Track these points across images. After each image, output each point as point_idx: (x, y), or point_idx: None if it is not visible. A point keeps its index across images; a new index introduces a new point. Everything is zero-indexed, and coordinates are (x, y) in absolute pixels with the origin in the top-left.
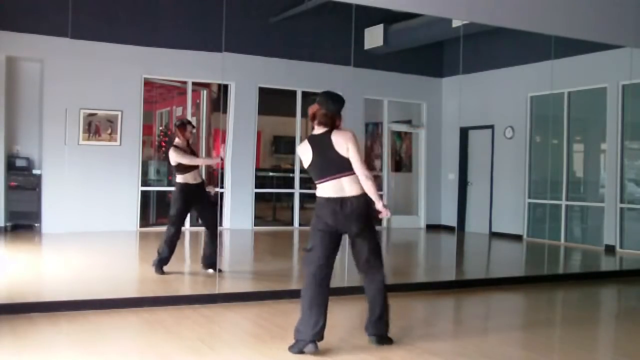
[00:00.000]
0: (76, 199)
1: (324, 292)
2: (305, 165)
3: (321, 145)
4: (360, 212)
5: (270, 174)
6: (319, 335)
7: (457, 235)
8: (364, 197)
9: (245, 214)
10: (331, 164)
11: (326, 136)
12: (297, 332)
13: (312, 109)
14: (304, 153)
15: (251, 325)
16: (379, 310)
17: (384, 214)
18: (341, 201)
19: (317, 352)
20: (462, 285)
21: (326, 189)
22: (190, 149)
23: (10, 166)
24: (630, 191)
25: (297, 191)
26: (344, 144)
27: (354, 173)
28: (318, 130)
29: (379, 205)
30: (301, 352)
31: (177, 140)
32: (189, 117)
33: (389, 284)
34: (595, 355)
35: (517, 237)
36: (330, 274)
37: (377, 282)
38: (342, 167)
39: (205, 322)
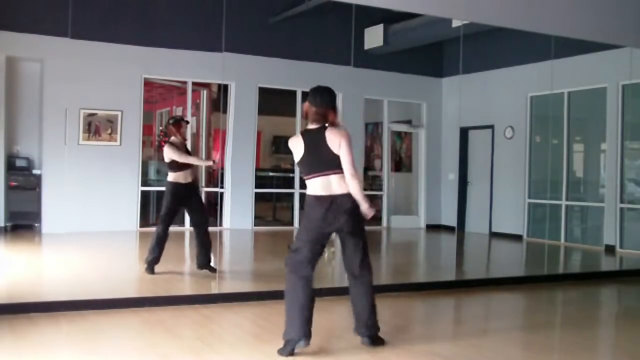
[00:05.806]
0: (76, 199)
1: (310, 292)
2: (296, 159)
3: (314, 141)
4: (351, 211)
5: (270, 174)
6: (310, 333)
7: (457, 235)
8: (353, 196)
9: (245, 214)
10: (322, 160)
11: (320, 132)
12: (286, 333)
13: (305, 107)
14: (296, 147)
15: (251, 325)
16: (370, 311)
17: (369, 215)
18: (331, 200)
19: (308, 346)
20: (462, 285)
21: (315, 186)
22: (185, 148)
23: (10, 166)
24: (630, 191)
25: (297, 191)
26: (336, 141)
27: (342, 172)
28: (313, 125)
29: (364, 206)
30: (292, 353)
31: (172, 138)
32: (188, 117)
33: (388, 284)
34: (595, 356)
35: (517, 237)
36: (313, 273)
37: (368, 283)
38: (333, 164)
39: (205, 322)
